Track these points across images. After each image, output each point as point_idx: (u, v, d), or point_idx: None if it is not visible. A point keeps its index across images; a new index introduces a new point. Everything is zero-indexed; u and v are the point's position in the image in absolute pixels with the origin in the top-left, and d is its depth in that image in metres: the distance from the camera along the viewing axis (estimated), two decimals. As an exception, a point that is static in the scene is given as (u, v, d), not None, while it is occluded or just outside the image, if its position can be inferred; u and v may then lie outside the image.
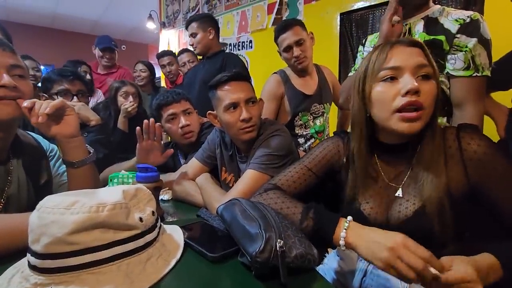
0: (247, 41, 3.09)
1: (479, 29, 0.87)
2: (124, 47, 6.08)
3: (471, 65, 0.88)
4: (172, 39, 4.27)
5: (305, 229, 0.63)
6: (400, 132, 0.63)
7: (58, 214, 0.46)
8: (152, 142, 1.11)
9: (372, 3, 2.16)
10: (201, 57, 2.14)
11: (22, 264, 0.52)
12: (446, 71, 0.92)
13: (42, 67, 2.33)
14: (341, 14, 2.35)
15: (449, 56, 0.90)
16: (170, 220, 0.89)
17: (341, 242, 0.58)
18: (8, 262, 0.54)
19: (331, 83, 1.66)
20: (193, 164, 1.16)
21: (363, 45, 1.15)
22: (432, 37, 0.92)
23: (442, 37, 0.90)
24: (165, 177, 1.17)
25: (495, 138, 1.04)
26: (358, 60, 1.18)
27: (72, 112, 0.79)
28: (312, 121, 1.57)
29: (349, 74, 1.22)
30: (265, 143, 0.96)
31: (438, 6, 0.96)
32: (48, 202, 0.48)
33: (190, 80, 2.01)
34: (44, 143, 0.90)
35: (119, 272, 0.49)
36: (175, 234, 0.66)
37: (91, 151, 0.85)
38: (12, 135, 0.78)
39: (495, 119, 1.15)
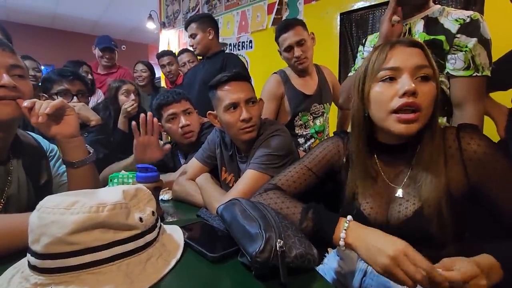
0: (247, 41, 3.09)
1: (479, 29, 0.87)
2: (124, 47, 6.08)
3: (471, 65, 0.88)
4: (172, 39, 4.27)
5: (304, 229, 0.63)
6: (397, 133, 0.63)
7: (58, 214, 0.46)
8: (149, 137, 1.11)
9: (372, 3, 2.16)
10: (201, 57, 2.14)
11: (22, 264, 0.52)
12: (446, 71, 0.92)
13: (42, 67, 2.32)
14: (341, 14, 2.35)
15: (449, 56, 0.91)
16: (170, 220, 0.89)
17: (341, 242, 0.58)
18: (8, 262, 0.54)
19: (331, 83, 1.66)
20: (193, 164, 1.16)
21: (363, 45, 1.15)
22: (432, 37, 0.92)
23: (442, 37, 0.90)
24: (165, 177, 1.17)
25: (495, 138, 1.04)
26: (358, 60, 1.18)
27: (72, 112, 0.79)
28: (312, 121, 1.57)
29: (349, 74, 1.22)
30: (265, 143, 0.96)
31: (438, 6, 0.96)
32: (48, 202, 0.48)
33: (190, 80, 2.01)
34: (44, 143, 0.90)
35: (119, 272, 0.49)
36: (175, 234, 0.66)
37: (91, 151, 0.85)
38: (12, 135, 0.78)
39: (495, 119, 1.15)
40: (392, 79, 0.63)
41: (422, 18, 0.96)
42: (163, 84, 3.52)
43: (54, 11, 5.39)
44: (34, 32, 5.89)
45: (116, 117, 1.84)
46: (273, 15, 2.79)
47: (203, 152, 1.15)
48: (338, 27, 2.37)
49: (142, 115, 1.09)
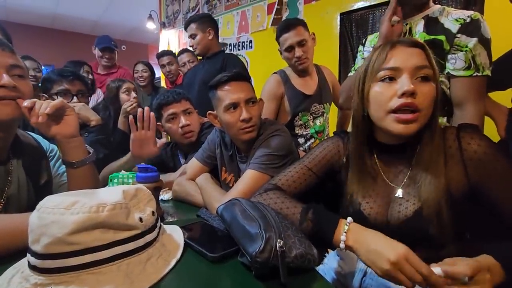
0: (247, 41, 3.09)
1: (479, 29, 0.87)
2: (124, 47, 6.08)
3: (472, 64, 0.88)
4: (172, 39, 4.27)
5: (304, 230, 0.63)
6: (396, 133, 0.63)
7: (58, 214, 0.46)
8: (146, 132, 1.10)
9: (372, 3, 2.16)
10: (201, 58, 2.14)
11: (22, 264, 0.52)
12: (446, 71, 0.92)
13: (42, 68, 2.32)
14: (341, 14, 2.35)
15: (449, 56, 0.90)
16: (170, 220, 0.89)
17: (341, 245, 0.58)
18: (8, 262, 0.54)
19: (331, 83, 1.66)
20: (193, 164, 1.16)
21: (363, 45, 1.15)
22: (432, 37, 0.92)
23: (442, 37, 0.90)
24: (165, 177, 1.17)
25: (496, 138, 1.04)
26: (358, 60, 1.18)
27: (72, 112, 0.79)
28: (312, 121, 1.57)
29: (349, 74, 1.22)
30: (265, 143, 0.96)
31: (439, 6, 0.96)
32: (48, 202, 0.48)
33: (190, 80, 2.01)
34: (44, 143, 0.90)
35: (119, 272, 0.49)
36: (175, 234, 0.66)
37: (91, 151, 0.85)
38: (12, 135, 0.78)
39: (495, 119, 1.15)
40: (391, 79, 0.63)
41: (422, 18, 0.96)
42: (163, 84, 3.52)
43: (54, 11, 5.39)
44: (34, 32, 5.89)
45: (116, 117, 1.84)
46: (273, 15, 2.78)
47: (203, 152, 1.15)
48: (338, 27, 2.37)
49: (139, 109, 1.09)
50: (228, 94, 0.97)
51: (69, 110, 0.79)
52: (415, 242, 0.52)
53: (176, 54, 2.72)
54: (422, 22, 0.95)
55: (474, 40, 0.86)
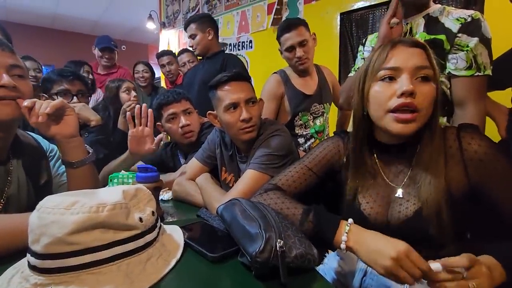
0: (247, 41, 3.09)
1: (480, 29, 0.86)
2: (124, 47, 6.08)
3: (473, 64, 0.88)
4: (172, 39, 4.27)
5: (305, 231, 0.63)
6: (395, 132, 0.63)
7: (58, 214, 0.46)
8: (144, 129, 1.10)
9: (372, 3, 2.16)
10: (201, 58, 2.14)
11: (22, 265, 0.52)
12: (447, 71, 0.92)
13: (43, 68, 2.32)
14: (341, 14, 2.35)
15: (450, 56, 0.90)
16: (170, 220, 0.89)
17: (342, 246, 0.58)
18: (8, 262, 0.54)
19: (331, 83, 1.66)
20: (193, 164, 1.16)
21: (363, 45, 1.15)
22: (432, 36, 0.92)
23: (442, 37, 0.90)
24: (165, 177, 1.17)
25: (496, 138, 1.04)
26: (358, 60, 1.18)
27: (71, 112, 0.79)
28: (312, 121, 1.57)
29: (349, 75, 1.22)
30: (265, 143, 0.96)
31: (439, 5, 0.96)
32: (48, 202, 0.48)
33: (190, 80, 2.01)
34: (44, 143, 0.90)
35: (119, 272, 0.49)
36: (175, 234, 0.66)
37: (90, 151, 0.85)
38: (12, 135, 0.78)
39: (495, 119, 1.15)
40: (391, 78, 0.63)
41: (423, 17, 0.96)
42: (163, 84, 3.51)
43: (54, 11, 5.39)
44: (34, 32, 5.89)
45: (116, 117, 1.84)
46: (272, 15, 2.78)
47: (203, 152, 1.15)
48: (338, 27, 2.37)
49: (137, 106, 1.09)
50: (228, 94, 0.97)
51: (69, 110, 0.79)
52: (415, 242, 0.52)
53: (176, 54, 2.72)
54: (422, 22, 0.95)
55: (475, 39, 0.86)
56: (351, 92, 0.73)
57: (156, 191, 0.83)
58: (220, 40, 2.02)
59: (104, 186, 0.98)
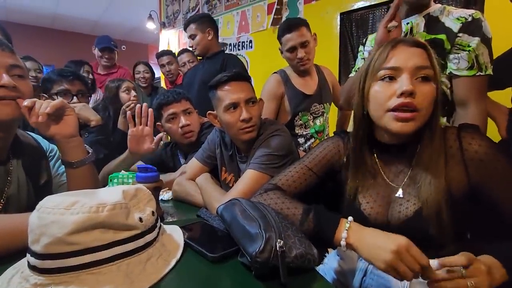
0: (247, 41, 3.09)
1: (481, 28, 0.86)
2: (124, 47, 6.08)
3: (475, 64, 0.87)
4: (172, 39, 4.27)
5: (305, 231, 0.63)
6: (394, 131, 0.63)
7: (58, 214, 0.46)
8: (144, 128, 1.10)
9: (372, 3, 2.16)
10: (201, 58, 2.13)
11: (21, 265, 0.52)
12: (448, 71, 0.91)
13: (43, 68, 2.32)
14: (341, 14, 2.35)
15: (452, 56, 0.90)
16: (170, 220, 0.89)
17: (342, 243, 0.58)
18: (8, 262, 0.54)
19: (331, 83, 1.66)
20: (193, 164, 1.16)
21: (363, 45, 1.15)
22: (432, 36, 0.92)
23: (443, 36, 0.90)
24: (165, 177, 1.17)
25: (496, 138, 1.04)
26: (359, 61, 1.18)
27: (71, 112, 0.79)
28: (312, 121, 1.57)
29: (350, 75, 1.22)
30: (265, 143, 0.96)
31: (439, 5, 0.96)
32: (48, 202, 0.48)
33: (190, 80, 2.01)
34: (44, 143, 0.90)
35: (119, 272, 0.49)
36: (175, 234, 0.66)
37: (90, 151, 0.85)
38: (12, 135, 0.78)
39: (495, 119, 1.15)
40: (391, 78, 0.63)
41: (423, 17, 0.95)
42: (162, 84, 3.51)
43: (54, 11, 5.39)
44: (34, 32, 5.88)
45: (116, 117, 1.83)
46: (272, 15, 2.78)
47: (203, 152, 1.15)
48: (338, 27, 2.37)
49: (137, 105, 1.09)
50: (228, 94, 0.97)
51: (69, 110, 0.79)
52: (415, 242, 0.52)
53: (176, 54, 2.72)
54: (423, 22, 0.95)
55: (477, 39, 0.86)
56: (351, 92, 0.73)
57: (156, 191, 0.83)
58: (220, 40, 2.02)
59: (104, 186, 0.98)
